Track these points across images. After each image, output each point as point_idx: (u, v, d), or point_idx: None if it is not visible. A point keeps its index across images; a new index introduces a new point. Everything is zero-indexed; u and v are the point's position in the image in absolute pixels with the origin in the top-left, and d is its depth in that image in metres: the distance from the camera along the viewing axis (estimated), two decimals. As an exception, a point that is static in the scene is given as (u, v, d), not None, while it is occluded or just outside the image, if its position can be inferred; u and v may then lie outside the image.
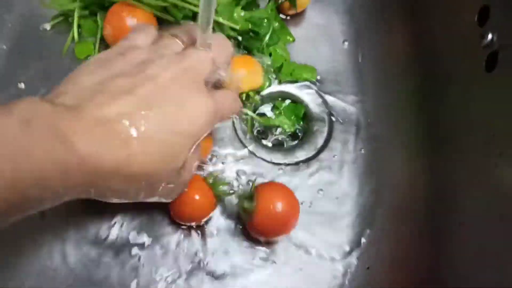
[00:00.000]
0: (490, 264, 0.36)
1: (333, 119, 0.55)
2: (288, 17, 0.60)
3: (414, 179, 0.50)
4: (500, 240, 0.36)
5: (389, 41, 0.58)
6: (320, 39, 0.59)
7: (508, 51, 0.39)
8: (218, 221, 0.49)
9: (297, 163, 0.53)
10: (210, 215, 0.47)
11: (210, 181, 0.46)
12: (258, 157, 0.52)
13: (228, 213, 0.49)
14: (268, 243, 0.48)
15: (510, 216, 0.35)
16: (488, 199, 0.39)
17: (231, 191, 0.50)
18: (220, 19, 0.51)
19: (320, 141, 0.54)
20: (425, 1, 0.52)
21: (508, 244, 0.35)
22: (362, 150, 0.54)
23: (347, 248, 0.49)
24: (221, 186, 0.47)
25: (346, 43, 0.59)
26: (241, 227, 0.49)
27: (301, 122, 0.56)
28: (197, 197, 0.44)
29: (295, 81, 0.57)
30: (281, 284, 0.47)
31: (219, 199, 0.48)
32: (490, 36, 0.41)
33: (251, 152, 0.53)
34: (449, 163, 0.45)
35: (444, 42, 0.47)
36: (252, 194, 0.45)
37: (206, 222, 0.49)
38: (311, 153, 0.54)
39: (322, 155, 0.54)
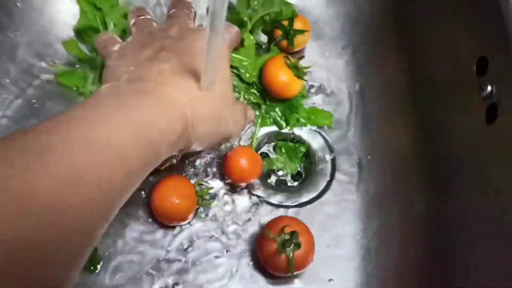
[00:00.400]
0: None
1: (334, 157, 0.56)
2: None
3: (415, 216, 0.51)
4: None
5: (389, 78, 0.58)
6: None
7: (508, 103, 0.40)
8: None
9: (300, 205, 0.54)
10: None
11: (197, 188, 0.51)
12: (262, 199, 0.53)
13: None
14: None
15: None
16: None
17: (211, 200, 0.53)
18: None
19: (322, 182, 0.55)
20: (426, 49, 0.53)
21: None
22: (364, 189, 0.54)
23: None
24: (204, 196, 0.52)
25: (346, 79, 0.60)
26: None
27: (304, 163, 0.56)
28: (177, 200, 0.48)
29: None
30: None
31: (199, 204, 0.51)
32: (489, 88, 0.41)
33: (254, 195, 0.53)
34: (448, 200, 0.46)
35: (443, 89, 0.48)
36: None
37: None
38: (314, 194, 0.54)
39: (326, 196, 0.54)
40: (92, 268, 0.48)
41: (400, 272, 0.49)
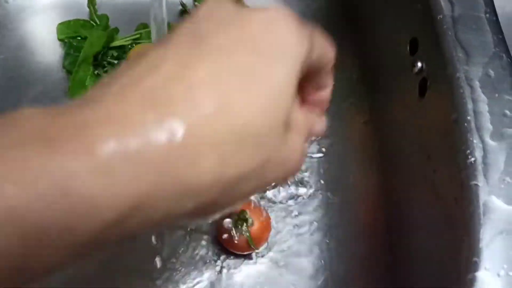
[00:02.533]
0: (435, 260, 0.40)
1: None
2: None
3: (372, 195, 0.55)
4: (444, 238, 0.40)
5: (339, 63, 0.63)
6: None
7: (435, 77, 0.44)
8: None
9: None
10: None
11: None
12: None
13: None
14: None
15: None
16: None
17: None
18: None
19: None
20: (370, 33, 0.58)
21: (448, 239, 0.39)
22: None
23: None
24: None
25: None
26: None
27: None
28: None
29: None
30: None
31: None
32: (419, 64, 0.46)
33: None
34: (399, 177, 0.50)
35: (385, 70, 0.53)
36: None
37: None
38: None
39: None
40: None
41: (359, 230, 0.53)
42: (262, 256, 0.52)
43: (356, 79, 0.59)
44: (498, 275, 0.34)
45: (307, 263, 0.52)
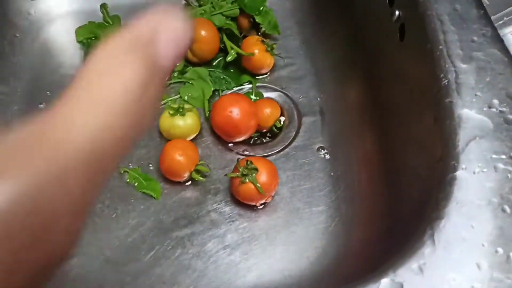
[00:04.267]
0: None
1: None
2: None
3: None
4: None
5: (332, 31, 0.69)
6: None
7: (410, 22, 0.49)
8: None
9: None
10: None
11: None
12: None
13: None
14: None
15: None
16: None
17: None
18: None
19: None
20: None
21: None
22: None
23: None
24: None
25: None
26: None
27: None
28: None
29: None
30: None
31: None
32: (397, 12, 0.51)
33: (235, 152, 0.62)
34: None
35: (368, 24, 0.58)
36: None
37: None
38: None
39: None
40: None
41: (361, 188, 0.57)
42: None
43: (343, 36, 0.64)
44: (474, 172, 0.38)
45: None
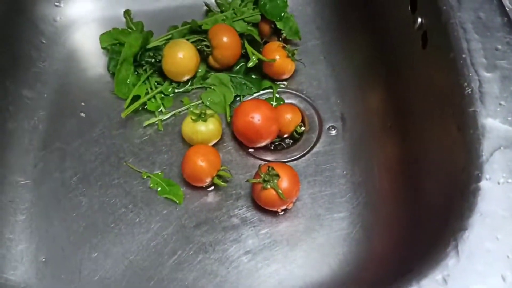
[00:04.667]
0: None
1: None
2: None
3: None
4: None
5: (354, 38, 0.69)
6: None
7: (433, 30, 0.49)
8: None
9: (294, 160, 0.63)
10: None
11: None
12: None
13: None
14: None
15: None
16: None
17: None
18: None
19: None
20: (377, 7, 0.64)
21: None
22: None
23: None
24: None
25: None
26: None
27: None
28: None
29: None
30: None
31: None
32: (419, 20, 0.51)
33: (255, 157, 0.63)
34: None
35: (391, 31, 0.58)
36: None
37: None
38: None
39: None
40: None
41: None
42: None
43: (365, 42, 0.64)
44: (498, 183, 0.38)
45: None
